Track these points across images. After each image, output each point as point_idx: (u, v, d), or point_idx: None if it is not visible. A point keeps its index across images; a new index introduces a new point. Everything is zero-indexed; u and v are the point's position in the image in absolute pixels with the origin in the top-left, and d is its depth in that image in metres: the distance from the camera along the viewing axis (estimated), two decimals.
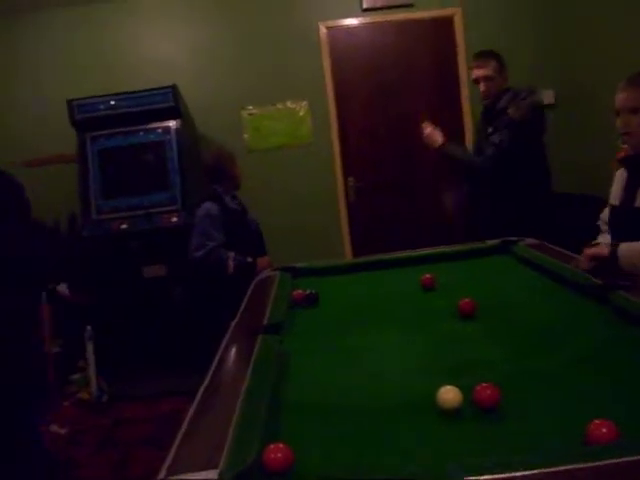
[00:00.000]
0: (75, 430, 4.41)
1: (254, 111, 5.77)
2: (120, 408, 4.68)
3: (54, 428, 4.42)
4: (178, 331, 4.80)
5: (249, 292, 2.82)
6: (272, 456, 1.21)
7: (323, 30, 5.76)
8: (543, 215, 3.97)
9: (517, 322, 2.11)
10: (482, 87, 3.95)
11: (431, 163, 5.88)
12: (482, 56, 3.97)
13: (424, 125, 4.09)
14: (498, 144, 3.79)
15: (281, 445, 1.24)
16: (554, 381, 1.59)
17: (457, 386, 1.46)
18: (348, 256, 5.79)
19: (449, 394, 1.45)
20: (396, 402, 1.55)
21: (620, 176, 2.75)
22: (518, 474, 1.09)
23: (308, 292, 2.61)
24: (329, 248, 5.73)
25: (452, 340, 1.98)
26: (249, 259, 4.03)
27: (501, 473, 1.10)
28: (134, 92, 5.15)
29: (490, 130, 3.90)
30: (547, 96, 5.79)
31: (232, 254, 3.98)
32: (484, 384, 1.45)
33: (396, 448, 1.33)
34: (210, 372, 1.80)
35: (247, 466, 1.19)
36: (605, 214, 2.87)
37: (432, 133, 4.06)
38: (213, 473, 1.17)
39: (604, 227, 2.87)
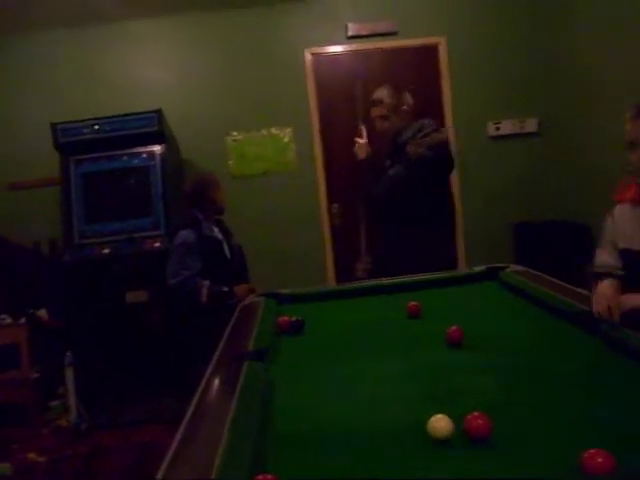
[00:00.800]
0: (53, 459, 4.32)
1: (239, 137, 5.76)
2: (100, 436, 4.59)
3: (32, 456, 4.33)
4: (159, 358, 4.74)
5: (234, 318, 2.78)
6: None
7: (308, 57, 5.78)
8: (447, 251, 4.02)
9: (505, 350, 2.09)
10: (378, 125, 3.96)
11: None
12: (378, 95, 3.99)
13: (358, 135, 4.11)
14: (392, 177, 3.77)
15: (269, 477, 1.20)
16: (545, 410, 1.58)
17: (448, 415, 1.44)
18: (332, 281, 5.76)
19: (440, 423, 1.43)
20: (385, 431, 1.52)
21: (626, 215, 2.43)
22: None
23: (294, 319, 2.58)
24: (313, 273, 5.70)
25: (441, 368, 1.95)
26: (225, 288, 3.93)
27: None
28: (119, 116, 5.13)
29: (388, 162, 3.87)
30: (530, 124, 5.84)
31: (207, 283, 3.89)
32: (475, 413, 1.43)
33: (386, 478, 1.30)
34: (195, 399, 1.76)
35: None
36: (606, 258, 2.48)
37: (363, 145, 4.04)
38: None
39: (616, 271, 2.36)
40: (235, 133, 5.76)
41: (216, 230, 4.19)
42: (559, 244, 5.40)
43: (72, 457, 4.31)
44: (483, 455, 1.36)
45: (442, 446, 1.40)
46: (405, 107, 3.92)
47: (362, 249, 4.11)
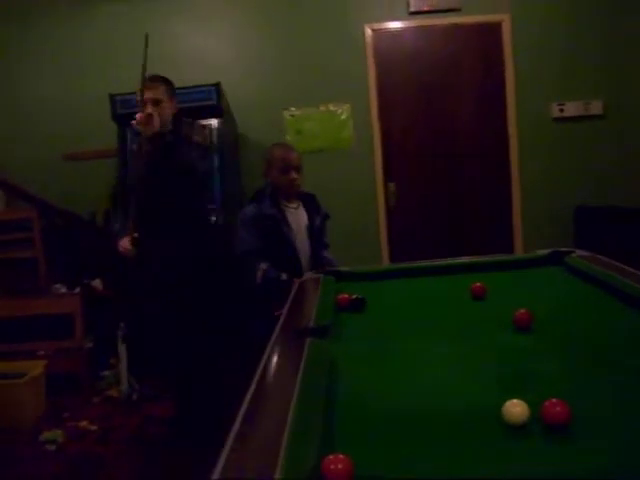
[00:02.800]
0: (104, 427, 4.36)
1: (296, 112, 5.72)
2: (150, 407, 4.62)
3: (83, 425, 4.38)
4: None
5: (292, 293, 2.75)
6: (332, 467, 1.14)
7: (369, 32, 5.69)
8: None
9: (575, 336, 2.01)
10: (149, 111, 3.69)
11: (476, 171, 5.81)
12: (152, 80, 3.83)
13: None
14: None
15: (341, 456, 1.16)
16: (622, 397, 1.50)
17: (523, 400, 1.38)
18: (386, 261, 5.70)
19: (516, 408, 1.37)
20: (457, 413, 1.46)
21: None
22: None
23: (354, 296, 2.53)
24: (366, 254, 5.65)
25: (510, 352, 1.89)
26: (283, 276, 3.42)
27: None
28: (177, 88, 5.09)
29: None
30: (595, 107, 5.67)
31: (264, 265, 3.44)
32: (554, 400, 1.36)
33: (459, 462, 1.24)
34: (257, 374, 1.73)
35: (306, 477, 1.12)
36: None
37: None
38: None
39: None
40: (293, 109, 5.71)
41: (287, 208, 3.66)
42: (620, 230, 5.26)
43: (122, 426, 4.35)
44: (561, 443, 1.29)
45: (518, 432, 1.34)
46: None
47: None
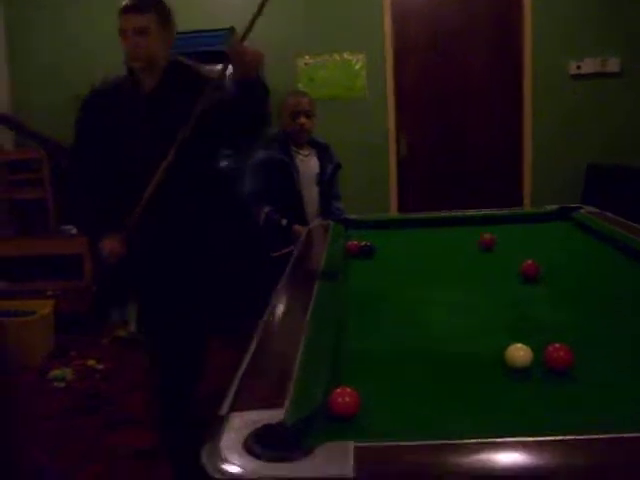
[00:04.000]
0: (111, 367, 4.44)
1: (310, 60, 5.67)
2: None
3: (91, 363, 4.46)
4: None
5: (302, 238, 2.77)
6: (340, 400, 1.18)
7: None
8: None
9: (583, 288, 2.04)
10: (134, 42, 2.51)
11: (490, 124, 5.79)
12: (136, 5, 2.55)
13: None
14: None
15: (349, 390, 1.19)
16: (627, 346, 1.54)
17: (527, 345, 1.41)
18: (394, 212, 5.71)
19: (519, 352, 1.40)
20: (463, 357, 1.50)
21: None
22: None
23: (363, 244, 2.56)
24: (376, 203, 5.65)
25: (516, 301, 1.92)
26: (283, 222, 3.43)
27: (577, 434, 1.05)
28: (190, 32, 5.07)
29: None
30: (613, 64, 5.61)
31: (267, 208, 3.44)
32: (557, 345, 1.39)
33: (461, 404, 1.28)
34: (267, 313, 1.76)
35: (315, 408, 1.15)
36: None
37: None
38: (279, 412, 1.13)
39: None
40: (307, 56, 5.67)
41: (297, 154, 3.62)
42: (630, 188, 5.24)
43: (130, 366, 4.42)
44: (563, 386, 1.33)
45: (521, 375, 1.38)
46: None
47: None
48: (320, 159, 3.70)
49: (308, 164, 3.65)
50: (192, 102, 2.45)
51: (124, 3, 2.51)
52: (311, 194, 3.64)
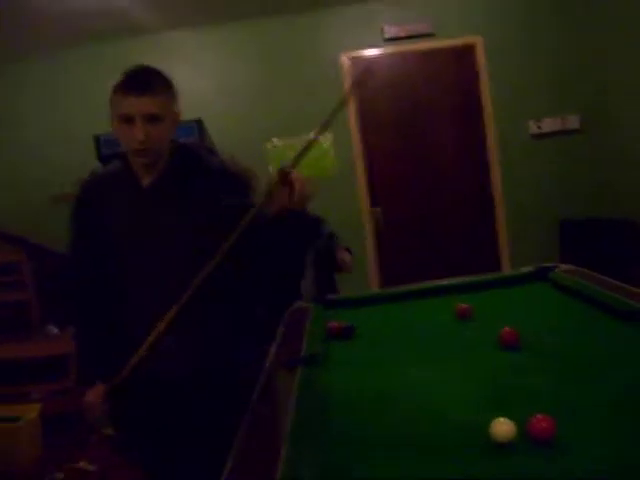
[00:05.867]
0: (104, 467, 4.36)
1: (278, 144, 5.78)
2: None
3: (83, 464, 4.38)
4: None
5: (283, 323, 2.78)
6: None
7: (345, 61, 5.78)
8: None
9: (562, 352, 2.04)
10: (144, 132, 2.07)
11: (460, 191, 5.88)
12: (147, 78, 2.16)
13: None
14: None
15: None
16: (608, 412, 1.54)
17: (509, 417, 1.42)
18: (376, 286, 5.74)
19: (502, 426, 1.41)
20: (447, 434, 1.50)
21: None
22: None
23: (344, 325, 2.57)
24: (357, 278, 5.68)
25: (497, 371, 1.92)
26: None
27: None
28: None
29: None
30: (572, 121, 5.77)
31: None
32: (539, 415, 1.40)
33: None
34: (251, 405, 1.76)
35: None
36: None
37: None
38: None
39: None
40: (275, 140, 5.78)
41: None
42: (605, 241, 5.33)
43: (121, 465, 4.34)
44: (548, 458, 1.33)
45: (505, 449, 1.38)
46: None
47: None
48: None
49: None
50: (199, 199, 2.15)
51: (125, 79, 2.06)
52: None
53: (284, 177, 2.02)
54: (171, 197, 2.21)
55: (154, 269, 2.19)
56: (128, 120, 2.04)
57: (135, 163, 2.20)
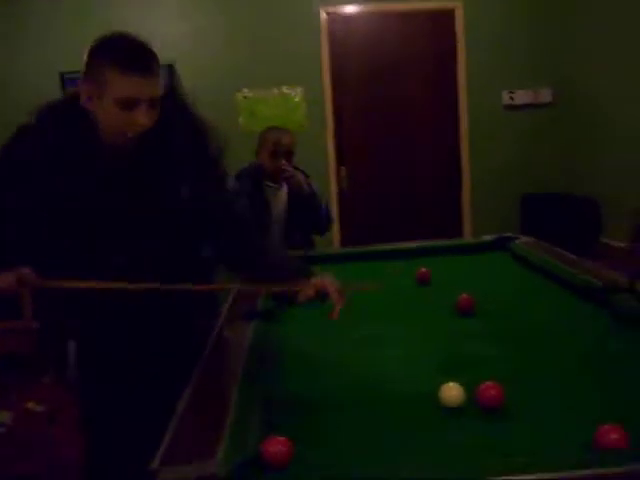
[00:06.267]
0: (52, 408, 4.34)
1: (249, 94, 5.70)
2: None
3: (31, 405, 4.35)
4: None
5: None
6: (272, 449, 1.17)
7: (323, 15, 5.69)
8: None
9: (516, 321, 2.08)
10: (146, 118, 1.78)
11: (427, 156, 5.89)
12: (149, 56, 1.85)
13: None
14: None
15: (282, 438, 1.19)
16: (557, 382, 1.57)
17: (459, 383, 1.43)
18: (336, 247, 5.73)
19: (452, 391, 1.42)
20: (396, 398, 1.51)
21: None
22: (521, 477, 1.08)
23: None
24: (317, 237, 5.67)
25: (451, 337, 1.94)
26: None
27: (503, 475, 1.09)
28: None
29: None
30: (545, 94, 5.78)
31: None
32: (488, 383, 1.42)
33: (397, 445, 1.29)
34: (204, 356, 1.75)
35: (246, 459, 1.15)
36: None
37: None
38: (210, 464, 1.12)
39: None
40: (246, 90, 5.69)
41: (269, 187, 3.56)
42: (566, 218, 5.38)
43: (70, 407, 4.32)
44: (494, 425, 1.35)
45: (454, 414, 1.39)
46: None
47: None
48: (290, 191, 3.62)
49: (278, 196, 3.61)
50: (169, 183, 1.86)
51: (123, 55, 1.74)
52: (279, 224, 3.57)
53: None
54: (155, 166, 1.88)
55: (120, 262, 1.85)
56: (128, 103, 1.70)
57: (112, 140, 1.79)
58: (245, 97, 5.70)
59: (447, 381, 1.45)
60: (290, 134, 3.63)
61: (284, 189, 3.62)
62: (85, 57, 1.77)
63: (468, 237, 5.71)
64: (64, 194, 1.78)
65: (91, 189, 1.80)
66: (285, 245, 3.51)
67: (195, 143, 1.96)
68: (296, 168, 3.66)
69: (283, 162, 3.48)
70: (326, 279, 1.77)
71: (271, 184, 3.58)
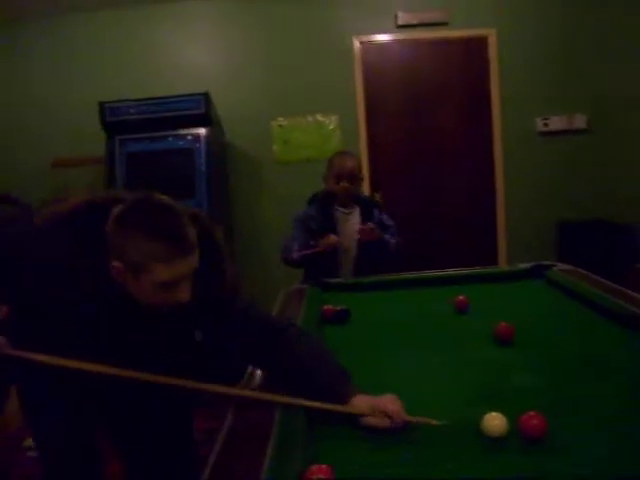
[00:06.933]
0: None
1: (284, 123, 5.75)
2: None
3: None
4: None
5: (278, 304, 2.77)
6: (315, 477, 1.17)
7: (357, 45, 5.74)
8: None
9: (556, 350, 2.05)
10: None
11: (462, 183, 5.87)
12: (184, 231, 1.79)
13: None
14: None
15: (324, 467, 1.19)
16: (601, 413, 1.54)
17: (501, 413, 1.42)
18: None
19: (494, 421, 1.41)
20: (437, 427, 1.50)
21: None
22: None
23: (339, 308, 2.57)
24: None
25: (491, 366, 1.93)
26: (311, 242, 3.40)
27: None
28: (166, 97, 5.14)
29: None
30: (580, 120, 5.74)
31: (295, 254, 3.41)
32: (531, 413, 1.40)
33: (440, 475, 1.28)
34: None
35: None
36: None
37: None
38: None
39: None
40: (281, 119, 5.74)
41: (339, 212, 3.61)
42: (603, 244, 5.33)
43: None
44: (538, 455, 1.34)
45: (496, 444, 1.38)
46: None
47: None
48: (362, 216, 3.65)
49: (349, 221, 3.63)
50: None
51: (163, 243, 1.57)
52: (350, 251, 3.57)
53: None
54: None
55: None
56: (170, 285, 1.62)
57: (144, 306, 1.71)
58: (280, 125, 5.75)
59: (488, 410, 1.44)
60: (354, 158, 3.71)
61: (355, 214, 3.65)
62: (112, 227, 1.63)
63: (503, 264, 5.69)
64: (79, 314, 1.72)
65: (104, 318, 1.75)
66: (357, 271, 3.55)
67: (216, 280, 1.80)
68: (370, 199, 3.74)
69: (346, 185, 3.52)
70: (386, 398, 1.56)
71: (341, 209, 3.62)
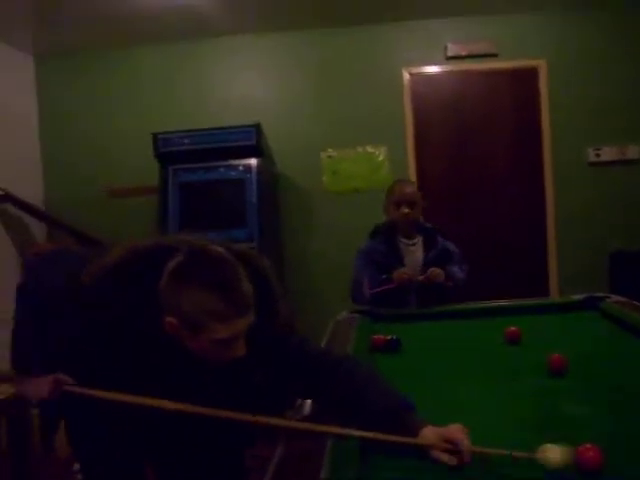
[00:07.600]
0: None
1: (333, 154, 5.80)
2: None
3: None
4: None
5: (328, 334, 2.78)
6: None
7: (406, 76, 5.78)
8: None
9: (611, 382, 2.03)
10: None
11: (512, 215, 5.83)
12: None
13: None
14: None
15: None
16: None
17: (558, 445, 1.41)
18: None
19: (552, 453, 1.39)
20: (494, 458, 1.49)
21: None
22: None
23: (389, 337, 2.57)
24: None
25: (545, 397, 1.91)
26: (383, 276, 3.41)
27: None
28: (218, 128, 5.24)
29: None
30: (632, 151, 5.69)
31: (367, 291, 3.39)
32: (587, 445, 1.39)
33: None
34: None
35: None
36: None
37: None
38: None
39: None
40: (330, 150, 5.80)
41: (403, 244, 3.63)
42: None
43: None
44: None
45: (553, 475, 1.37)
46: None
47: None
48: (426, 244, 3.65)
49: (414, 252, 3.62)
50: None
51: (222, 307, 1.57)
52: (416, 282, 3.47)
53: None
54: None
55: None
56: (227, 343, 1.63)
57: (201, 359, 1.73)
58: (330, 157, 5.80)
59: (543, 441, 1.43)
60: (413, 185, 3.78)
61: (419, 244, 3.64)
62: (167, 283, 1.62)
63: (554, 295, 5.61)
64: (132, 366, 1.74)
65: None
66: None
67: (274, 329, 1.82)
68: (432, 226, 3.75)
69: (406, 210, 3.52)
70: (453, 428, 1.54)
71: (405, 240, 3.62)
